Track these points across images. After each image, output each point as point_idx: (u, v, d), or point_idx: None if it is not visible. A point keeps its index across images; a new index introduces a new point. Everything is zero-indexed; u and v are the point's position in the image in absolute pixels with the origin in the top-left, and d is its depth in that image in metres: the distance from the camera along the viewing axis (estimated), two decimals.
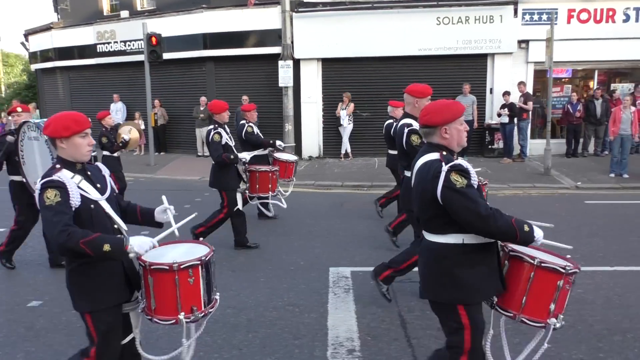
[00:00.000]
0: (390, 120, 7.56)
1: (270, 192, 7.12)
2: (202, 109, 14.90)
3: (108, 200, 2.84)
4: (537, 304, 2.79)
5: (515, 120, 13.32)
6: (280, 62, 13.69)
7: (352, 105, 14.05)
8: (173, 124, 16.05)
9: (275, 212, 8.25)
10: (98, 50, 16.75)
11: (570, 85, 14.48)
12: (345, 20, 13.89)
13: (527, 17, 13.66)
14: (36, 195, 2.65)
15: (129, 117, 15.73)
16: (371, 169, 12.96)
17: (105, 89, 16.99)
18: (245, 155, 6.81)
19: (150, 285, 2.78)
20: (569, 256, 2.89)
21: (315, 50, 14.16)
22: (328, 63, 14.43)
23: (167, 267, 2.73)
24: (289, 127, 13.99)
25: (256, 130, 7.75)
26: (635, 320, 4.48)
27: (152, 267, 2.74)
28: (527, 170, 12.33)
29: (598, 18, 13.69)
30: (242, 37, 14.51)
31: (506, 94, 13.26)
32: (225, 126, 6.47)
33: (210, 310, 2.90)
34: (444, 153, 2.78)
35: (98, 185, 2.82)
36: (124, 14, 16.27)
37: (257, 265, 6.10)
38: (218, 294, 3.01)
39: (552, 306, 2.77)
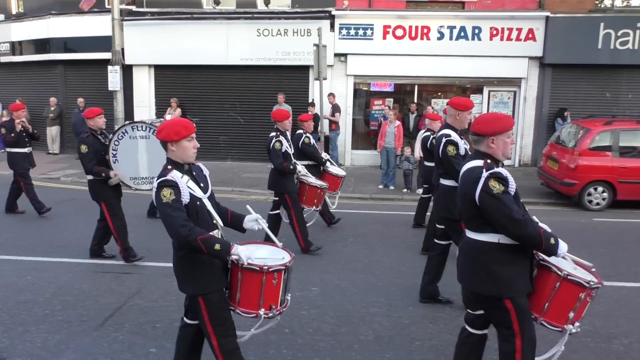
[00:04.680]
0: (427, 133, 7.71)
1: (313, 207, 7.28)
2: (52, 109, 15.83)
3: (209, 198, 3.19)
4: (557, 310, 3.05)
5: (327, 130, 13.79)
6: (110, 67, 14.43)
7: (179, 110, 14.70)
8: (32, 123, 16.97)
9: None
10: None
11: (391, 99, 14.84)
12: (172, 29, 14.57)
13: (344, 31, 14.11)
14: (153, 192, 3.03)
15: None
16: None
17: None
18: (301, 169, 7.02)
19: (239, 280, 3.11)
20: (594, 270, 3.16)
21: (146, 57, 14.89)
22: (160, 69, 15.14)
23: (258, 269, 3.06)
24: None
25: (312, 141, 7.81)
26: None
27: (244, 266, 3.06)
28: None
29: (413, 35, 14.04)
30: (84, 42, 15.31)
31: (310, 105, 13.73)
32: (287, 134, 6.77)
33: (283, 309, 3.27)
34: (488, 161, 3.01)
35: (201, 185, 3.15)
36: (0, 17, 17.37)
37: None
38: (289, 295, 3.34)
39: (572, 314, 3.05)
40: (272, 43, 14.33)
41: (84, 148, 6.04)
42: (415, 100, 14.55)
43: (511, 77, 14.12)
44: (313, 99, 14.43)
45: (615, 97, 13.96)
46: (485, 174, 2.92)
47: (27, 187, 8.81)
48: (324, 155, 8.10)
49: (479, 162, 3.02)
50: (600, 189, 9.90)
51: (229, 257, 2.99)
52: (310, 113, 13.62)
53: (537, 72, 13.99)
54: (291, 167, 6.63)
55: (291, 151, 6.79)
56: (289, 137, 6.87)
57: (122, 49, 14.63)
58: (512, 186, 2.94)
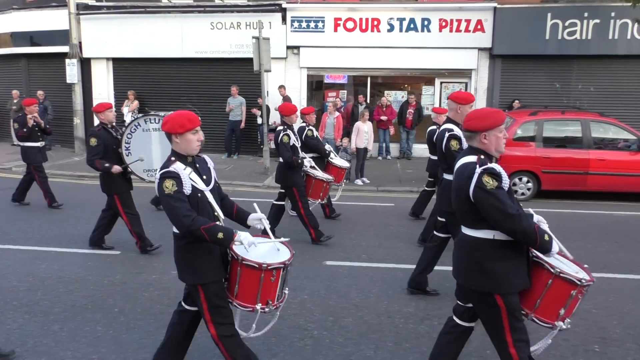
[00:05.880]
0: (434, 127, 7.68)
1: (319, 200, 7.48)
2: (15, 101, 16.14)
3: (211, 190, 3.26)
4: (549, 307, 3.06)
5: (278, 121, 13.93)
6: (67, 61, 14.73)
7: (136, 102, 14.96)
8: None
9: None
10: None
11: (345, 91, 14.96)
12: (129, 23, 14.81)
13: (296, 24, 14.25)
14: (155, 183, 3.11)
15: None
16: None
17: None
18: (307, 163, 7.19)
19: (238, 275, 3.17)
20: (586, 266, 3.18)
21: (104, 50, 15.15)
22: (118, 62, 15.42)
23: (257, 266, 3.11)
24: (77, 120, 15.04)
25: (316, 134, 7.95)
26: None
27: (243, 262, 3.12)
28: (258, 170, 12.88)
29: (364, 27, 14.16)
30: (46, 36, 15.60)
31: (260, 97, 13.88)
32: (294, 127, 6.96)
33: (280, 304, 3.33)
34: (482, 157, 3.02)
35: (204, 177, 3.23)
36: None
37: None
38: (287, 289, 3.41)
39: (562, 311, 3.05)
40: (226, 36, 14.52)
41: (93, 141, 6.10)
42: (369, 92, 14.68)
43: (462, 68, 14.21)
44: (268, 91, 14.58)
45: (566, 88, 13.96)
46: (478, 169, 2.94)
47: (42, 180, 9.00)
48: (327, 147, 8.23)
49: (472, 158, 3.05)
50: (525, 179, 10.01)
51: (232, 244, 3.05)
52: (260, 105, 13.85)
53: (487, 63, 14.07)
54: (300, 160, 6.79)
55: (298, 144, 6.95)
56: (295, 131, 7.03)
57: (80, 43, 14.91)
58: (506, 181, 2.96)
